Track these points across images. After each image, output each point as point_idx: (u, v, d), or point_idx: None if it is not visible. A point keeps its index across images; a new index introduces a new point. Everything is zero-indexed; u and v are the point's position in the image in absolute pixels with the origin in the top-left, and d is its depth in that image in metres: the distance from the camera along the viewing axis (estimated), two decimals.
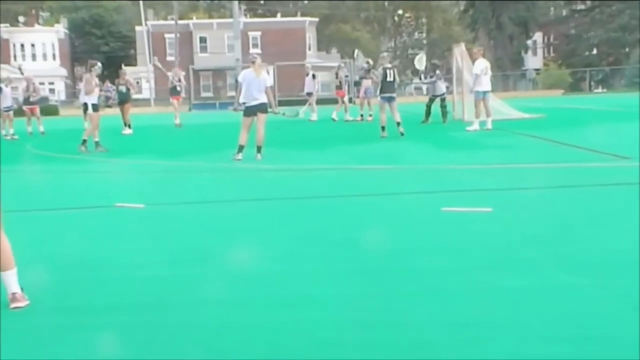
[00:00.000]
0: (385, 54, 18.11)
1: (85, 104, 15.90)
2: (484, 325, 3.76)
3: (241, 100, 12.66)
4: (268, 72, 13.22)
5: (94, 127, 15.54)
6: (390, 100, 16.49)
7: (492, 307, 4.05)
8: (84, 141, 15.34)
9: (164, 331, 3.86)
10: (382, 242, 5.81)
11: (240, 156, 12.35)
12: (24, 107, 23.18)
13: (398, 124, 16.26)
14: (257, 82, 12.39)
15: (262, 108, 12.51)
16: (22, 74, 23.61)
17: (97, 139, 15.51)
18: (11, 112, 21.81)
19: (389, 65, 16.85)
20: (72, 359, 3.53)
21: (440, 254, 5.36)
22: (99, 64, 15.72)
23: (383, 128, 16.44)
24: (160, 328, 3.91)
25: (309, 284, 4.70)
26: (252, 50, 64.16)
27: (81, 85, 15.61)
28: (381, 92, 16.65)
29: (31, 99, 22.99)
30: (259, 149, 12.49)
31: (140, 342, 3.72)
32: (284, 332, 3.77)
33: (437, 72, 22.46)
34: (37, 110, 23.36)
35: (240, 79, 12.78)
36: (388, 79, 16.60)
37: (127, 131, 21.96)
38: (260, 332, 3.78)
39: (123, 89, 22.63)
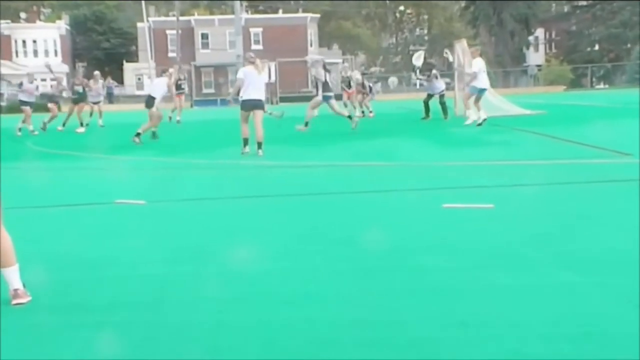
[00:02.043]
0: (346, 64, 19.21)
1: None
2: (484, 324, 3.74)
3: (241, 96, 12.85)
4: (269, 69, 13.68)
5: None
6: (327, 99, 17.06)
7: (493, 305, 4.04)
8: (139, 134, 16.11)
9: (162, 329, 3.85)
10: (382, 239, 5.79)
11: (247, 149, 12.74)
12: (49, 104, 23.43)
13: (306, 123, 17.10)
14: (258, 80, 12.77)
15: (259, 105, 12.84)
16: (51, 71, 23.95)
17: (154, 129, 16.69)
18: (28, 108, 21.80)
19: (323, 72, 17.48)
20: (70, 358, 3.53)
21: (441, 251, 5.34)
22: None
23: (307, 123, 17.12)
24: (159, 326, 3.90)
25: (308, 281, 4.69)
26: (253, 47, 64.13)
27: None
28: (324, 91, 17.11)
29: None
30: (259, 145, 12.71)
31: (140, 340, 3.72)
32: (282, 330, 3.76)
33: (433, 71, 22.58)
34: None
35: (241, 75, 12.92)
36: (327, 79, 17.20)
37: (81, 130, 22.22)
38: (259, 330, 3.77)
39: (79, 89, 23.18)
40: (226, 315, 4.04)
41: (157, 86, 17.04)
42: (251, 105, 12.70)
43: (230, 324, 3.89)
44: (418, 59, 23.39)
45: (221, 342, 3.65)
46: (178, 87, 24.86)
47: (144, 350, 3.57)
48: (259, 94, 12.79)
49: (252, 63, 12.78)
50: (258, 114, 12.75)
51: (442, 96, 21.96)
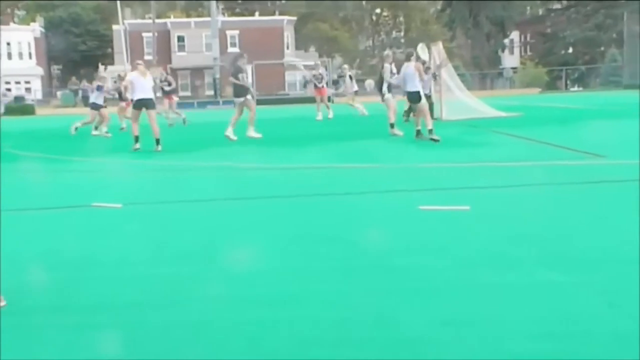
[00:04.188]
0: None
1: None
2: (467, 323, 3.79)
3: (133, 97, 14.89)
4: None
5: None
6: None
7: (474, 305, 4.09)
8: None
9: (145, 330, 3.86)
10: (362, 240, 5.84)
11: (138, 146, 14.50)
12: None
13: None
14: (144, 82, 14.67)
15: (148, 103, 14.66)
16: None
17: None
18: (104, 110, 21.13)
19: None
20: (53, 359, 3.53)
21: (419, 252, 5.39)
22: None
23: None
24: (142, 327, 3.91)
25: (291, 282, 4.71)
26: (230, 49, 64.07)
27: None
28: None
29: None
30: (157, 142, 14.41)
31: (122, 340, 3.73)
32: (265, 330, 3.78)
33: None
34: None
35: (130, 79, 15.13)
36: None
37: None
38: (243, 331, 3.79)
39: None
40: (211, 316, 4.05)
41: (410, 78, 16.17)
42: (142, 105, 14.58)
43: (215, 324, 3.91)
44: (423, 51, 22.75)
45: (206, 342, 3.67)
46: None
47: (126, 351, 3.58)
48: (147, 93, 14.60)
49: (136, 69, 14.95)
50: (151, 113, 14.61)
51: (429, 97, 21.55)
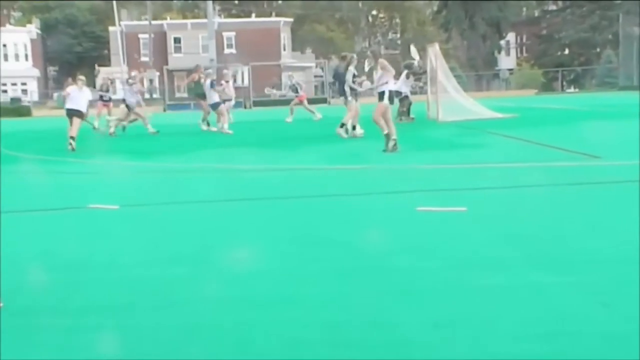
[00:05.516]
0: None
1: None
2: (459, 324, 3.80)
3: (67, 106, 17.06)
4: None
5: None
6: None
7: (467, 306, 4.10)
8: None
9: (136, 332, 3.87)
10: (358, 241, 5.85)
11: (73, 144, 16.10)
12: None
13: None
14: (79, 94, 16.91)
15: (77, 113, 16.72)
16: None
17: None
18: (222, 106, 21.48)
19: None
20: (48, 359, 3.55)
21: (416, 253, 5.41)
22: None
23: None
24: (133, 329, 3.92)
25: (286, 283, 4.72)
26: (226, 51, 64.12)
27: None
28: None
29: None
30: (73, 139, 16.21)
31: (112, 343, 3.74)
32: (259, 332, 3.80)
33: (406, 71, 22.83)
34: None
35: (68, 91, 17.39)
36: None
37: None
38: (236, 332, 3.80)
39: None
40: (207, 317, 4.06)
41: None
42: (71, 113, 16.73)
43: (211, 325, 3.92)
44: (415, 53, 23.49)
45: (202, 342, 3.68)
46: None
47: (121, 352, 3.59)
48: (77, 105, 16.74)
49: (76, 84, 17.24)
50: (75, 120, 16.66)
51: (407, 97, 22.39)
